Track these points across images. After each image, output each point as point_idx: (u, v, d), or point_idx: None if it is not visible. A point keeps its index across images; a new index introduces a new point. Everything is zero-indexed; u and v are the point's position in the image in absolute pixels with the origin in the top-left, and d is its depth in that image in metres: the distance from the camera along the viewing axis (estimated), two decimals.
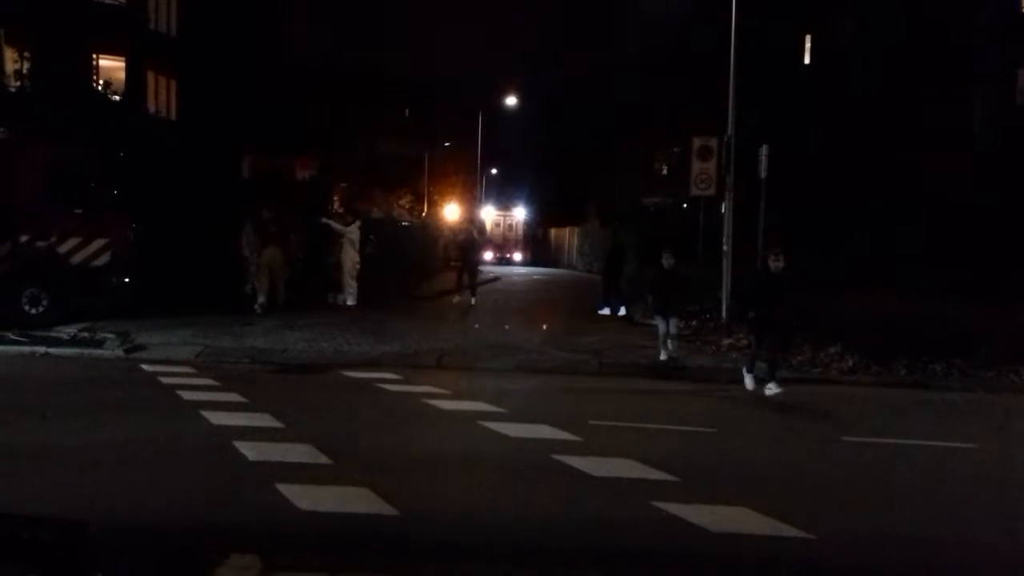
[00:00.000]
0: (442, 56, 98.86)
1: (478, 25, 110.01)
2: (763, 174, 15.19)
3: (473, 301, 22.11)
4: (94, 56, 29.38)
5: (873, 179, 27.80)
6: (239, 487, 6.56)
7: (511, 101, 48.91)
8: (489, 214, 66.48)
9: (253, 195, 21.37)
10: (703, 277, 16.74)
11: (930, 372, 12.71)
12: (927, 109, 28.16)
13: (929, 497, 6.92)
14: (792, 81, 34.01)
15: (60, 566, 2.47)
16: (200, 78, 30.85)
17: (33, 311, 14.87)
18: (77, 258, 15.13)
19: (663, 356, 12.88)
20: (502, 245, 67.30)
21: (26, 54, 26.26)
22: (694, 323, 16.34)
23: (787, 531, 5.78)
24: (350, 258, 19.84)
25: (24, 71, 26.19)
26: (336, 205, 25.66)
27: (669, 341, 12.84)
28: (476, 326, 17.75)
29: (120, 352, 13.00)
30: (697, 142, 17.29)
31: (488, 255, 60.19)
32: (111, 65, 29.86)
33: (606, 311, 20.03)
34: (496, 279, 37.34)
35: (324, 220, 20.00)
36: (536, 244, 66.77)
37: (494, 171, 66.09)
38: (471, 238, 24.34)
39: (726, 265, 15.94)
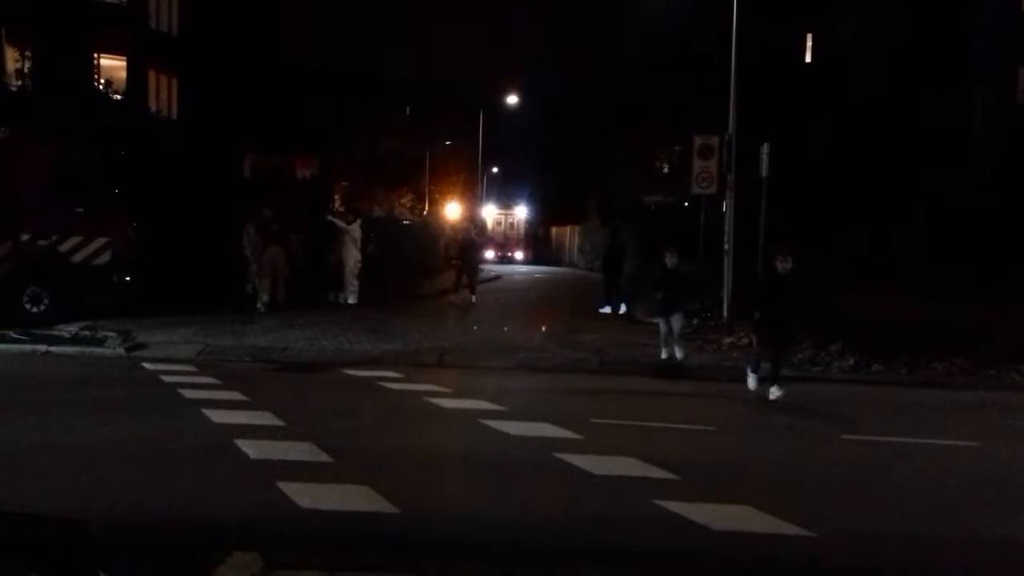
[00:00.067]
0: (442, 56, 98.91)
1: (478, 25, 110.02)
2: (764, 172, 15.19)
3: (473, 299, 22.09)
4: (95, 55, 29.39)
5: (874, 178, 27.79)
6: (240, 485, 6.57)
7: (512, 100, 48.95)
8: (490, 213, 66.45)
9: (254, 194, 21.36)
10: (704, 276, 16.74)
11: (931, 371, 12.72)
12: (928, 108, 28.14)
13: (929, 495, 6.92)
14: (793, 80, 33.99)
15: (61, 565, 2.47)
16: (201, 77, 30.86)
17: (34, 310, 14.88)
18: (78, 257, 15.14)
19: (664, 355, 12.86)
20: (503, 244, 67.20)
21: (27, 53, 26.19)
22: (695, 322, 16.33)
23: (788, 529, 5.78)
24: (352, 257, 19.84)
25: (25, 70, 26.13)
26: (337, 204, 25.63)
27: (675, 344, 12.68)
28: (477, 325, 17.75)
29: (121, 350, 13.01)
30: (698, 140, 17.28)
31: (490, 254, 60.22)
32: (112, 64, 29.87)
33: (607, 310, 20.04)
34: (498, 277, 37.34)
35: (329, 218, 19.99)
36: (537, 243, 66.74)
37: (495, 170, 66.07)
38: (470, 237, 24.45)
39: (727, 264, 15.94)
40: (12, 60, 26.61)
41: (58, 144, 15.80)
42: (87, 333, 13.95)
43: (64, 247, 15.10)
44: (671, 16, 37.86)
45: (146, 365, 12.12)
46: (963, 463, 7.95)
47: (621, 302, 19.99)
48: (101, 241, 15.17)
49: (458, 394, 10.50)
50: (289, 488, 6.31)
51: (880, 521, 6.19)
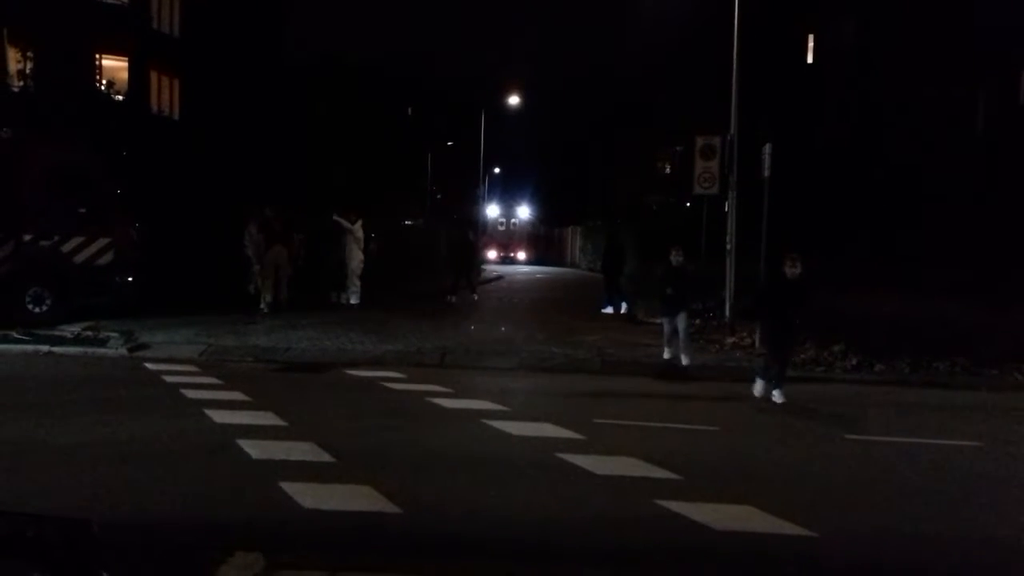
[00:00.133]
0: (443, 56, 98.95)
1: (478, 25, 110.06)
2: (766, 173, 15.18)
3: (475, 297, 22.08)
4: (97, 56, 29.44)
5: (875, 179, 27.79)
6: (242, 485, 6.57)
7: (513, 100, 48.92)
8: (492, 213, 66.54)
9: (255, 194, 21.38)
10: (706, 276, 16.74)
11: (933, 371, 12.71)
12: (930, 109, 28.13)
13: (931, 496, 6.92)
14: (795, 80, 34.00)
15: (63, 564, 2.48)
16: (203, 78, 30.89)
17: (37, 310, 14.90)
18: (80, 257, 15.16)
19: (667, 355, 12.83)
20: (505, 244, 67.37)
21: (29, 54, 26.30)
22: (697, 321, 16.31)
23: (789, 529, 5.79)
24: (356, 257, 19.85)
25: (27, 71, 26.23)
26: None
27: (682, 350, 12.55)
28: (479, 325, 17.75)
29: (123, 351, 13.02)
30: (700, 141, 17.28)
31: (492, 254, 60.34)
32: (114, 65, 29.92)
33: (609, 310, 20.05)
34: (499, 278, 37.39)
35: (336, 217, 19.99)
36: (539, 243, 66.88)
37: (496, 170, 66.10)
38: (466, 238, 24.59)
39: (729, 264, 15.94)
40: (14, 61, 26.68)
41: (60, 145, 15.84)
42: (89, 333, 13.96)
43: (66, 247, 15.12)
44: (672, 16, 37.86)
45: (148, 365, 12.13)
46: (965, 463, 7.95)
47: (622, 301, 20.01)
48: (103, 241, 15.19)
49: (460, 394, 10.50)
50: (291, 488, 6.32)
51: (882, 521, 6.19)
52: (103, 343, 13.40)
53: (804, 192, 25.61)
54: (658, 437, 8.62)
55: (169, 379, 10.96)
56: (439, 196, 61.94)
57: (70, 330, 14.15)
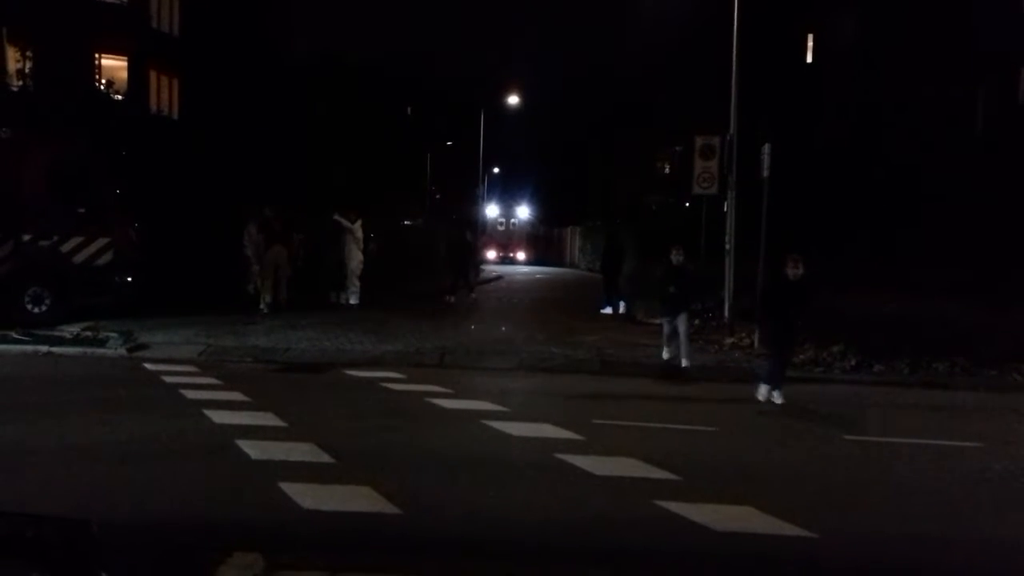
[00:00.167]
0: (443, 56, 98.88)
1: (478, 25, 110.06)
2: (765, 173, 15.18)
3: (473, 296, 22.07)
4: (96, 55, 29.44)
5: (875, 178, 27.78)
6: (242, 486, 6.57)
7: (513, 100, 48.95)
8: (492, 213, 66.53)
9: (255, 194, 21.37)
10: (706, 276, 16.73)
11: (932, 371, 12.71)
12: (929, 108, 28.13)
13: (931, 496, 6.92)
14: (794, 80, 33.99)
15: (63, 564, 2.48)
16: (202, 78, 30.88)
17: (36, 310, 14.89)
18: (80, 257, 15.15)
19: (666, 355, 12.83)
20: (505, 244, 67.38)
21: (28, 53, 26.25)
22: (696, 322, 16.31)
23: (788, 530, 5.79)
24: (356, 257, 19.85)
25: (27, 70, 26.19)
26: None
27: (683, 353, 12.47)
28: (478, 325, 17.76)
29: (123, 351, 13.02)
30: (700, 141, 17.27)
31: (491, 254, 60.34)
32: (113, 64, 29.93)
33: (608, 310, 20.06)
34: (499, 278, 37.37)
35: (336, 217, 19.99)
36: (538, 243, 66.87)
37: (496, 170, 66.13)
38: (464, 239, 24.63)
39: (728, 264, 15.94)
40: (13, 60, 26.66)
41: (60, 144, 15.81)
42: (89, 333, 13.95)
43: (66, 247, 15.11)
44: (672, 16, 37.86)
45: (148, 365, 12.13)
46: (964, 463, 7.95)
47: (619, 301, 20.03)
48: (103, 241, 15.18)
49: (459, 394, 10.50)
50: (290, 489, 6.32)
51: (881, 521, 6.19)
52: (102, 343, 13.39)
53: (803, 192, 25.59)
54: (657, 438, 8.62)
55: (168, 379, 10.96)
56: (439, 196, 61.95)
57: (69, 330, 14.14)
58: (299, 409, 9.29)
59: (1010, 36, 27.40)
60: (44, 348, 12.91)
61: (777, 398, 10.37)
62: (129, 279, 15.37)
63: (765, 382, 10.56)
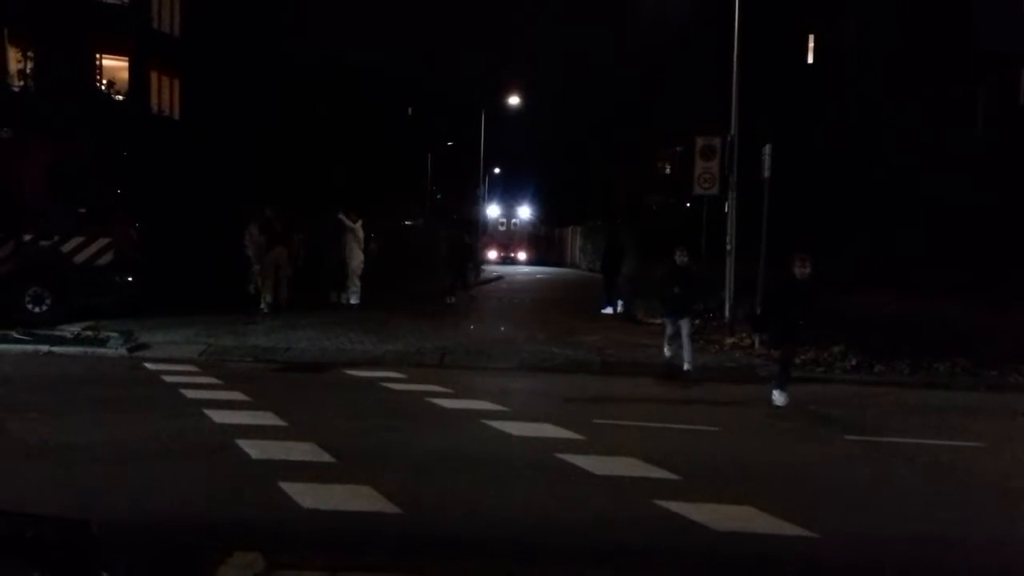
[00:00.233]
0: (443, 56, 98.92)
1: (478, 25, 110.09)
2: (766, 173, 15.18)
3: (472, 295, 22.09)
4: (97, 56, 29.45)
5: (875, 179, 27.80)
6: (242, 485, 6.57)
7: (513, 101, 48.95)
8: (493, 213, 66.55)
9: (255, 194, 21.39)
10: (706, 276, 16.73)
11: (933, 371, 12.70)
12: (929, 109, 28.14)
13: (931, 496, 6.92)
14: (795, 81, 34.01)
15: (63, 564, 2.48)
16: (203, 78, 30.90)
17: (36, 310, 14.90)
18: (80, 257, 15.16)
19: (668, 352, 12.75)
20: (506, 244, 67.38)
21: (29, 54, 26.29)
22: (697, 322, 16.31)
23: (789, 529, 5.78)
24: (357, 257, 19.85)
25: (28, 71, 26.22)
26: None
27: (686, 355, 12.28)
28: (478, 325, 17.76)
29: (123, 351, 13.02)
30: (700, 141, 17.29)
31: (492, 254, 60.37)
32: (114, 65, 29.94)
33: (609, 310, 20.07)
34: (500, 278, 37.41)
35: (340, 216, 19.99)
36: (539, 243, 66.92)
37: (497, 171, 66.13)
38: (462, 240, 24.72)
39: (729, 264, 15.94)
40: (14, 61, 26.70)
41: (60, 145, 15.83)
42: (89, 333, 13.96)
43: (66, 247, 15.12)
44: (672, 16, 37.86)
45: (148, 365, 12.13)
46: (965, 464, 7.95)
47: (618, 300, 20.05)
48: (103, 241, 15.20)
49: (460, 394, 10.50)
50: (291, 488, 6.32)
51: (882, 521, 6.19)
52: (103, 343, 13.39)
53: (804, 192, 25.63)
54: (658, 437, 8.62)
55: (169, 379, 10.96)
56: (439, 196, 61.94)
57: (70, 330, 14.15)
58: (299, 409, 9.29)
59: (1010, 36, 27.39)
60: (45, 348, 12.91)
61: (777, 399, 10.35)
62: (130, 279, 15.38)
63: (778, 386, 10.38)
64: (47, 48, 26.12)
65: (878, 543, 5.78)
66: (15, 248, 15.02)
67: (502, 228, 69.64)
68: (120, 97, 27.97)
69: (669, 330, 12.66)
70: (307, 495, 6.19)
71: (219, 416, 8.73)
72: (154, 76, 31.79)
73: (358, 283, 19.91)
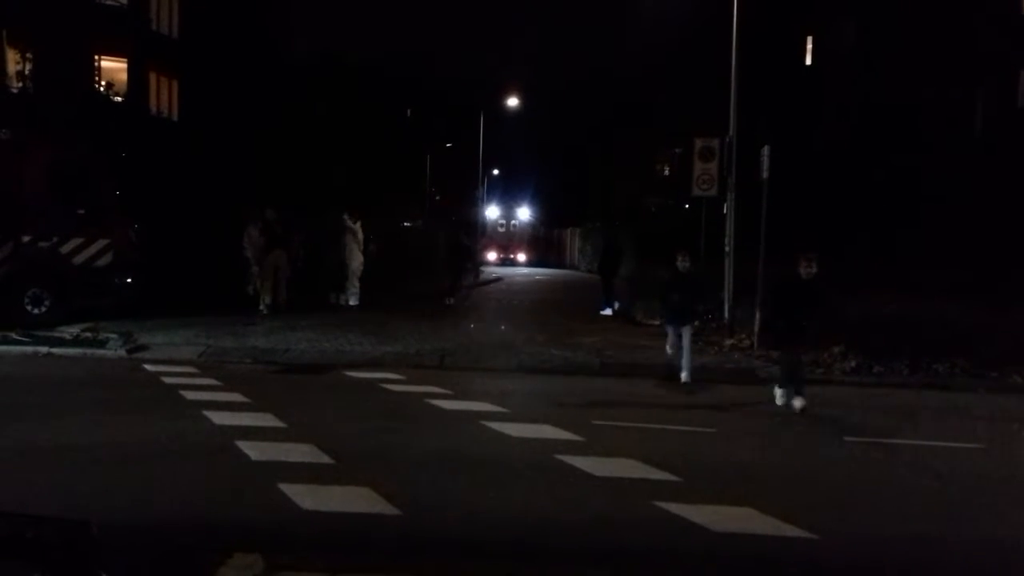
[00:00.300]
0: (443, 56, 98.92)
1: (478, 26, 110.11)
2: (765, 174, 15.18)
3: (469, 294, 22.07)
4: (96, 57, 29.45)
5: (874, 180, 27.81)
6: (241, 487, 6.57)
7: (513, 102, 48.96)
8: (492, 215, 66.56)
9: (255, 195, 21.39)
10: (706, 278, 16.72)
11: (932, 372, 12.70)
12: (929, 110, 28.17)
13: (931, 497, 6.92)
14: (794, 82, 34.01)
15: (63, 565, 2.48)
16: (202, 79, 30.90)
17: (36, 311, 14.89)
18: (80, 258, 15.15)
19: (669, 350, 12.58)
20: (505, 246, 67.37)
21: (28, 55, 26.30)
22: (696, 323, 16.31)
23: (789, 531, 5.78)
24: (356, 259, 19.85)
25: (26, 72, 26.23)
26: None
27: (683, 360, 11.92)
28: (478, 326, 17.76)
29: (123, 352, 13.02)
30: (699, 143, 17.27)
31: (492, 256, 60.37)
32: (113, 66, 29.93)
33: (608, 312, 20.06)
34: (499, 279, 37.39)
35: (344, 216, 19.98)
36: (539, 245, 66.88)
37: (496, 172, 66.14)
38: (460, 242, 24.74)
39: (728, 266, 15.94)
40: (13, 62, 26.70)
41: (59, 146, 15.82)
42: (88, 335, 13.95)
43: (65, 249, 15.11)
44: (672, 17, 37.88)
45: (147, 367, 12.13)
46: (964, 465, 7.95)
47: (614, 301, 20.06)
48: (102, 243, 15.19)
49: (459, 396, 10.50)
50: (290, 489, 6.32)
51: (882, 522, 6.19)
52: (102, 344, 13.39)
53: (803, 194, 25.62)
54: (657, 439, 8.62)
55: (168, 380, 10.96)
56: (438, 197, 61.95)
57: (69, 331, 14.14)
58: (299, 410, 9.29)
59: (1010, 38, 27.44)
60: (44, 349, 12.91)
61: (779, 398, 10.33)
62: (129, 280, 15.37)
63: (797, 391, 10.21)
64: (46, 49, 26.12)
65: (878, 544, 5.78)
66: (14, 249, 15.02)
67: (501, 229, 69.64)
68: (119, 98, 27.97)
69: (671, 338, 12.40)
70: (307, 496, 6.19)
71: (219, 417, 8.73)
72: (153, 77, 31.79)
73: (357, 284, 19.91)
